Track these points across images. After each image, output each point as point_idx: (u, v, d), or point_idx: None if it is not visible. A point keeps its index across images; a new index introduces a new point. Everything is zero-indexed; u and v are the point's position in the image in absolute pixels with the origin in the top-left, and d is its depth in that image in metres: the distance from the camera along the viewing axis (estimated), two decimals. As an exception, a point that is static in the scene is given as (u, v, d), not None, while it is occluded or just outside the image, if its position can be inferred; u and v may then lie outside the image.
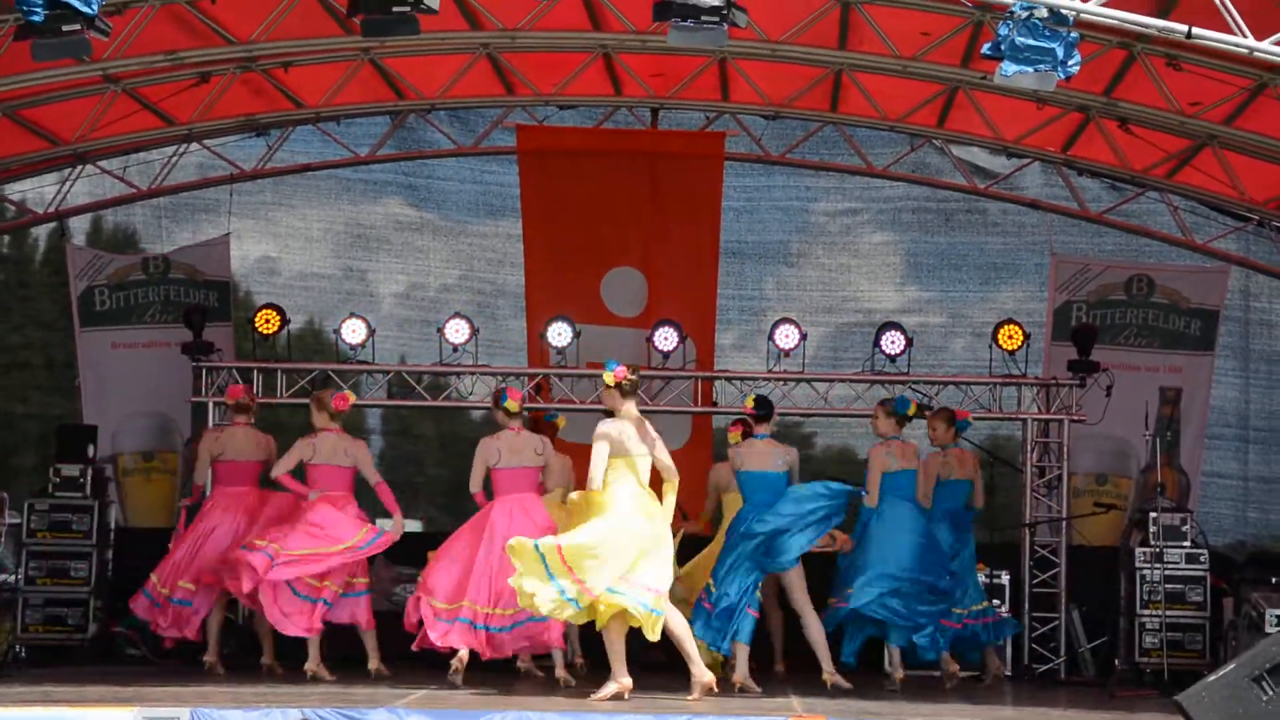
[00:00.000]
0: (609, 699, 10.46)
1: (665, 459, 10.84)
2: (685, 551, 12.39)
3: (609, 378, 10.79)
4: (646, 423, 10.88)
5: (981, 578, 13.62)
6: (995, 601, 13.49)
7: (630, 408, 10.80)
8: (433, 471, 16.56)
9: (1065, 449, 14.78)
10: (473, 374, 15.00)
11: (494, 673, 12.10)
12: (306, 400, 14.66)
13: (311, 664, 12.03)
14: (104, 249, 16.61)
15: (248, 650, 13.28)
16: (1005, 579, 14.17)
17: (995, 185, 16.45)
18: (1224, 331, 16.39)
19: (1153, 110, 13.65)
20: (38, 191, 16.17)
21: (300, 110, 15.53)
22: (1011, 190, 16.47)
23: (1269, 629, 12.04)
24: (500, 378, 15.04)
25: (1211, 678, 10.05)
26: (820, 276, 16.90)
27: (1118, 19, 10.18)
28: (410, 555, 13.48)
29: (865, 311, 16.65)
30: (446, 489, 16.62)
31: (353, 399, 12.73)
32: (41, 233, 16.79)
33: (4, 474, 16.32)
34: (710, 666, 11.31)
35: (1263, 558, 14.90)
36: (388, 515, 12.49)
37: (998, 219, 16.67)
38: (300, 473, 12.38)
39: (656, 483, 10.86)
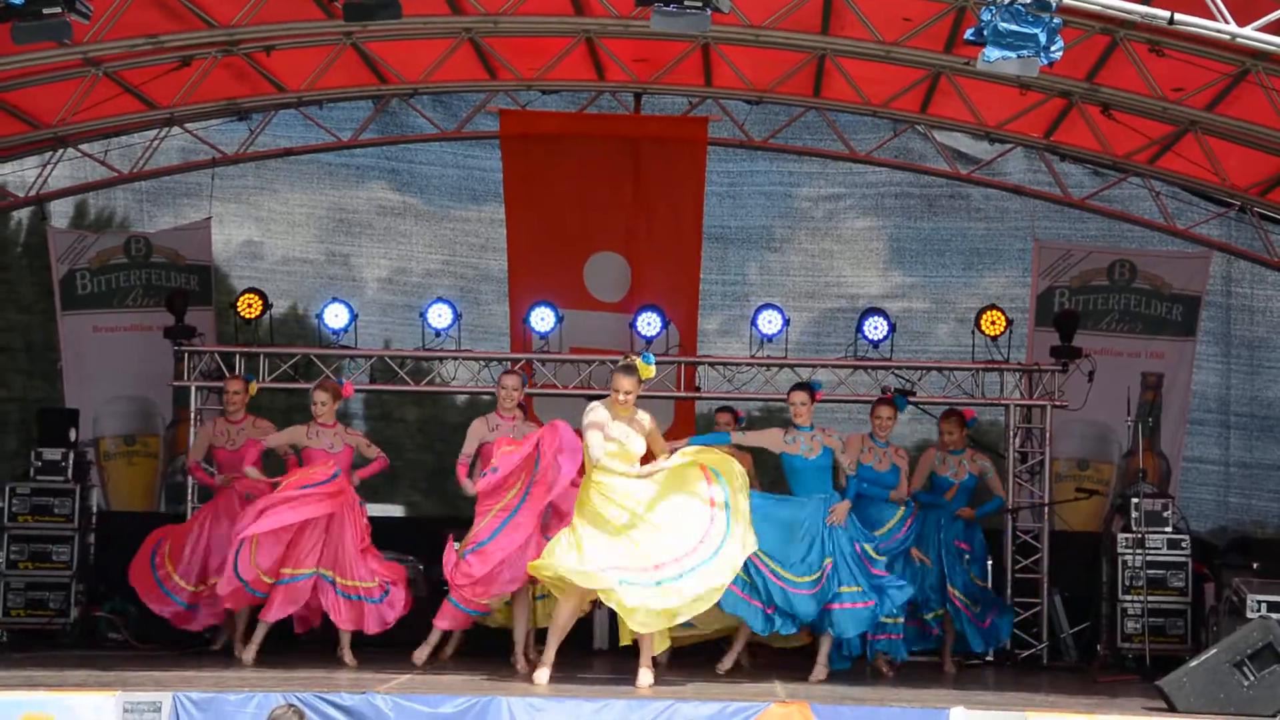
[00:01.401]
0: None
1: None
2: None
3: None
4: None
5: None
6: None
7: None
8: (414, 456, 16.54)
9: (1048, 434, 14.80)
10: (455, 359, 15.00)
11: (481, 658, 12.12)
12: (289, 385, 14.72)
13: (342, 649, 12.11)
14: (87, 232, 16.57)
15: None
16: (988, 564, 14.19)
17: (978, 171, 16.46)
18: (1206, 317, 16.41)
19: (1135, 96, 13.66)
20: (18, 175, 16.12)
21: (282, 94, 15.48)
22: (994, 176, 16.48)
23: (1250, 614, 12.06)
24: (482, 363, 15.04)
25: (1193, 663, 10.11)
26: (803, 261, 16.89)
27: (1100, 4, 10.19)
28: (393, 541, 13.49)
29: (849, 297, 16.65)
30: (428, 474, 16.61)
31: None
32: (22, 216, 16.74)
33: (-15, 458, 16.33)
34: None
35: (1244, 543, 14.95)
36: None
37: (980, 204, 16.68)
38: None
39: None
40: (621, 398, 10.79)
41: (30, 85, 14.02)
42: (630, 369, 10.85)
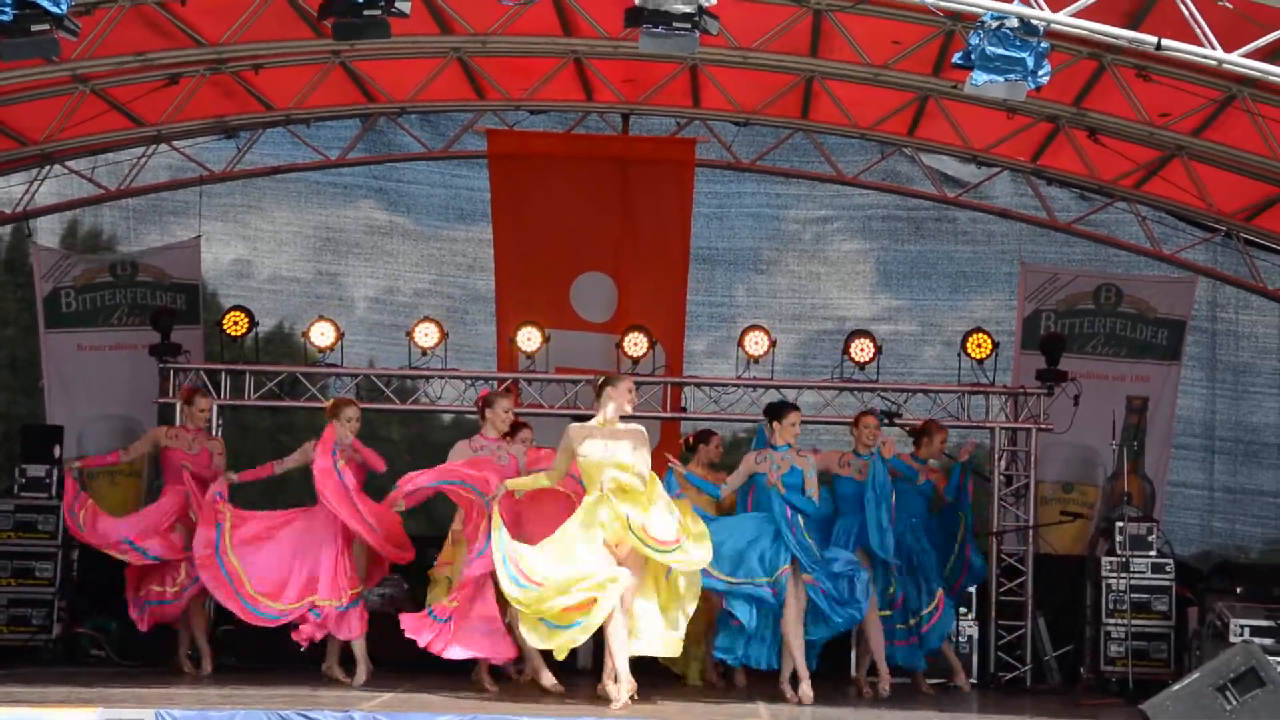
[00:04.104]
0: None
1: None
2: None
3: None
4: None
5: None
6: None
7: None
8: (401, 474, 16.47)
9: (1033, 457, 14.82)
10: (441, 378, 14.99)
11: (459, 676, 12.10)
12: (275, 403, 14.68)
13: (328, 664, 12.10)
14: (78, 251, 16.52)
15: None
16: (972, 587, 14.19)
17: (965, 194, 16.49)
18: (1191, 342, 16.45)
19: (1122, 121, 13.71)
20: (5, 191, 16.10)
21: (270, 112, 15.49)
22: (981, 199, 16.52)
23: (1233, 639, 12.08)
24: (469, 382, 15.02)
25: (1176, 687, 10.12)
26: (790, 283, 16.93)
27: (1088, 30, 10.22)
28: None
29: (836, 319, 16.68)
30: (414, 492, 16.54)
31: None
32: (5, 232, 16.72)
33: (-32, 474, 16.26)
34: None
35: (1227, 567, 14.98)
36: None
37: (967, 228, 16.72)
38: None
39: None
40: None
41: (17, 102, 14.01)
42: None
